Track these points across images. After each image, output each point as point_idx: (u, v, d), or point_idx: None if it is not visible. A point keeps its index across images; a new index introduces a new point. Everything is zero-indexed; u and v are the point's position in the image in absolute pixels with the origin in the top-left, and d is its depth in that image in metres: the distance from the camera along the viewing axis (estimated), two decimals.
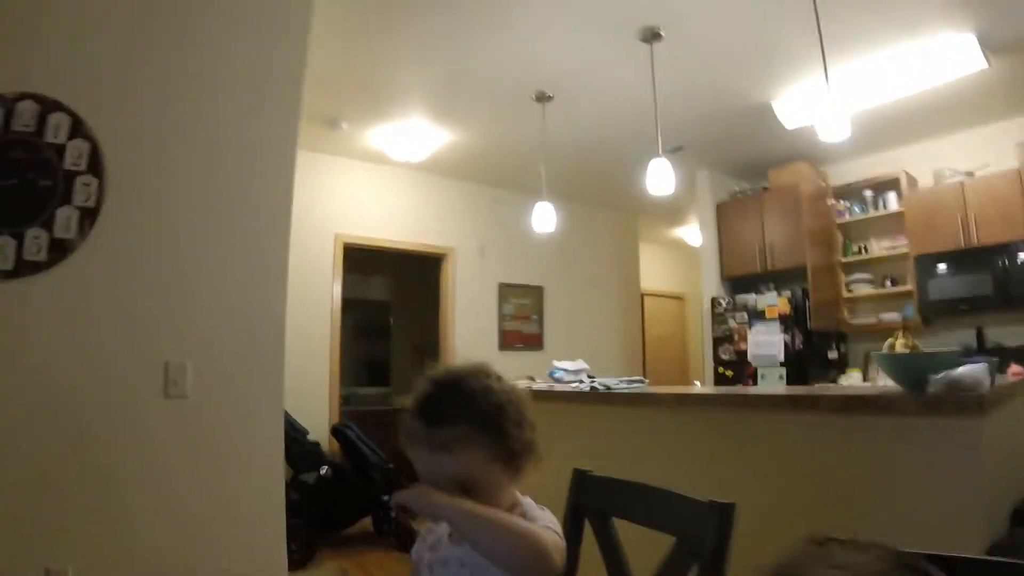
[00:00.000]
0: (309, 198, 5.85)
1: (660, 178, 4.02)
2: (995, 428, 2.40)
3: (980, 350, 5.18)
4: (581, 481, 1.64)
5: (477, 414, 1.14)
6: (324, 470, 4.94)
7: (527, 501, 1.26)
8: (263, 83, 2.85)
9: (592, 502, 1.60)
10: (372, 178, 6.48)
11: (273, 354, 2.78)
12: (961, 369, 2.23)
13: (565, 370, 4.06)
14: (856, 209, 6.27)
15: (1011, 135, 5.28)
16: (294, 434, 4.83)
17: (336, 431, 5.47)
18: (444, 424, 1.12)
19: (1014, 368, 4.36)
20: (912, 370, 2.29)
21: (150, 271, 2.53)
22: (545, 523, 1.18)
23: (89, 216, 2.40)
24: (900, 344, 2.46)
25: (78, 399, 2.34)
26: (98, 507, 2.34)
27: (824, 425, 2.57)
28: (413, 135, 5.70)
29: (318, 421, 5.71)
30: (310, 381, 5.88)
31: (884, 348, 2.56)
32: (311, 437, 5.12)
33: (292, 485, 4.84)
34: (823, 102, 3.63)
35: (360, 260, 6.86)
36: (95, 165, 2.42)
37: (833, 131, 3.55)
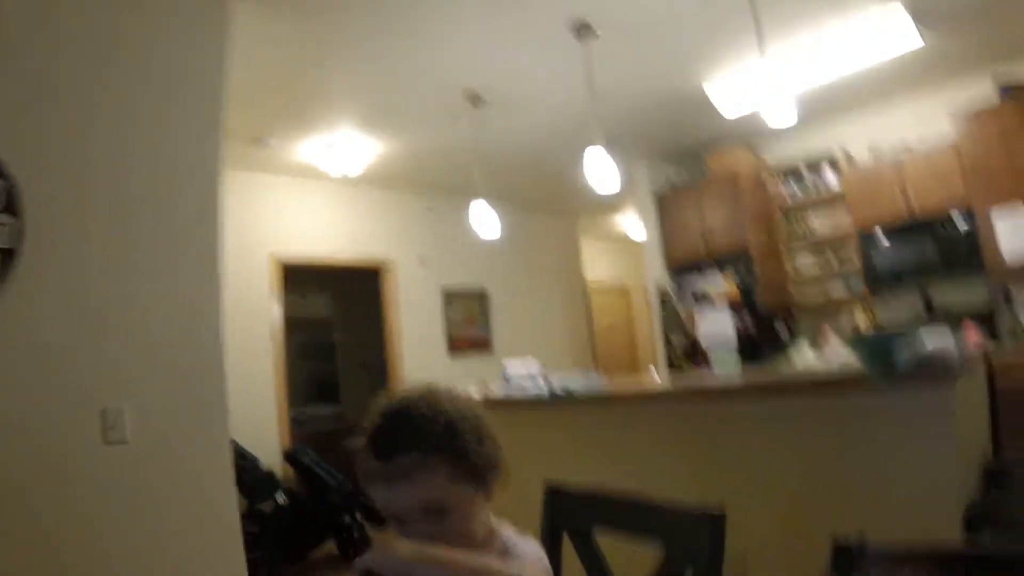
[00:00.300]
0: (241, 219, 5.63)
1: (602, 172, 3.95)
2: (962, 396, 2.45)
3: (928, 315, 5.28)
4: (554, 499, 1.56)
5: (430, 437, 1.09)
6: (280, 498, 4.77)
7: (507, 533, 1.18)
8: (182, 101, 2.70)
9: (570, 519, 1.53)
10: (305, 194, 6.29)
11: (214, 385, 2.64)
12: (929, 344, 2.25)
13: (517, 370, 3.98)
14: (796, 189, 6.33)
15: (945, 105, 5.37)
16: (245, 463, 4.64)
17: (290, 457, 5.31)
18: (397, 454, 1.07)
19: (970, 333, 4.44)
20: (880, 350, 2.29)
21: (76, 312, 2.35)
22: (531, 559, 1.12)
23: (8, 257, 2.22)
24: (861, 320, 2.45)
25: (10, 455, 2.17)
26: (32, 564, 2.16)
27: (798, 408, 2.57)
28: (343, 147, 5.54)
29: (269, 446, 5.52)
30: (257, 406, 5.67)
31: (846, 328, 2.55)
32: (263, 464, 4.94)
33: (248, 517, 4.66)
34: (767, 88, 3.62)
35: (299, 279, 6.68)
36: (11, 204, 2.23)
37: (780, 117, 3.54)
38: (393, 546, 0.99)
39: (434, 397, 1.15)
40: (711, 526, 1.23)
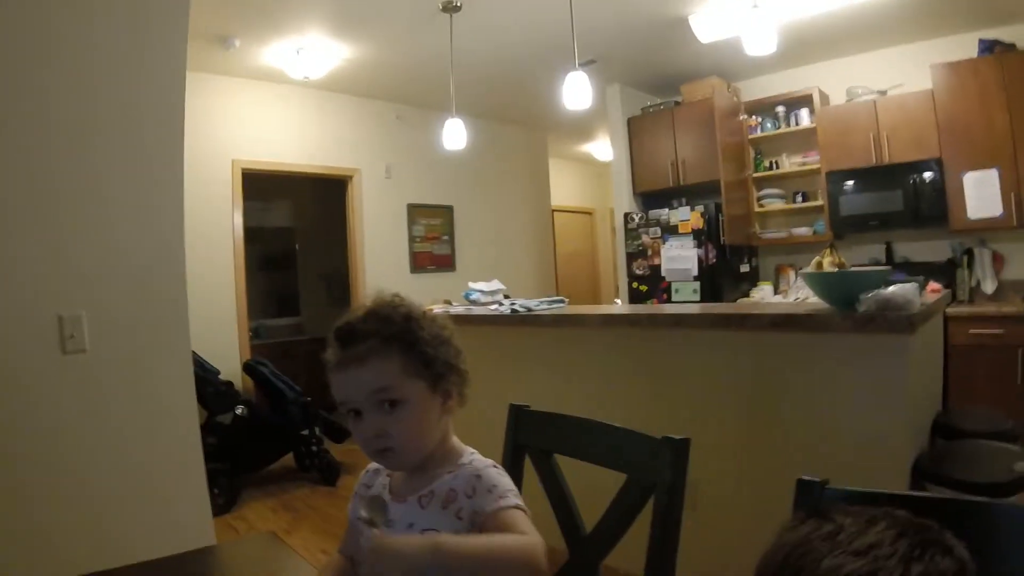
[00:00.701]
0: (203, 123, 5.46)
1: (577, 93, 3.87)
2: (920, 344, 2.46)
3: (889, 265, 5.33)
4: (519, 418, 1.57)
5: (389, 326, 1.13)
6: (240, 410, 4.76)
7: (476, 458, 1.19)
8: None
9: (533, 440, 1.55)
10: (270, 99, 6.08)
11: (175, 293, 2.57)
12: (892, 288, 2.25)
13: (481, 291, 3.96)
14: (768, 125, 6.29)
15: (925, 56, 5.31)
16: (205, 375, 4.61)
17: (249, 369, 5.29)
18: (356, 341, 1.12)
19: (932, 285, 4.53)
20: (843, 289, 2.29)
21: (32, 218, 2.26)
22: (505, 488, 1.13)
23: None
24: (828, 262, 2.45)
25: None
26: None
27: (756, 343, 2.59)
28: (311, 51, 5.34)
29: (229, 358, 5.49)
30: (216, 317, 5.61)
31: (811, 266, 2.55)
32: (223, 376, 4.91)
33: (208, 428, 4.65)
34: (748, 15, 3.54)
35: (261, 186, 6.53)
36: None
37: (759, 44, 3.48)
38: (388, 544, 0.95)
39: (402, 299, 1.19)
40: (674, 453, 1.23)
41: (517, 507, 1.10)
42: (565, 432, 1.48)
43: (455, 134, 4.76)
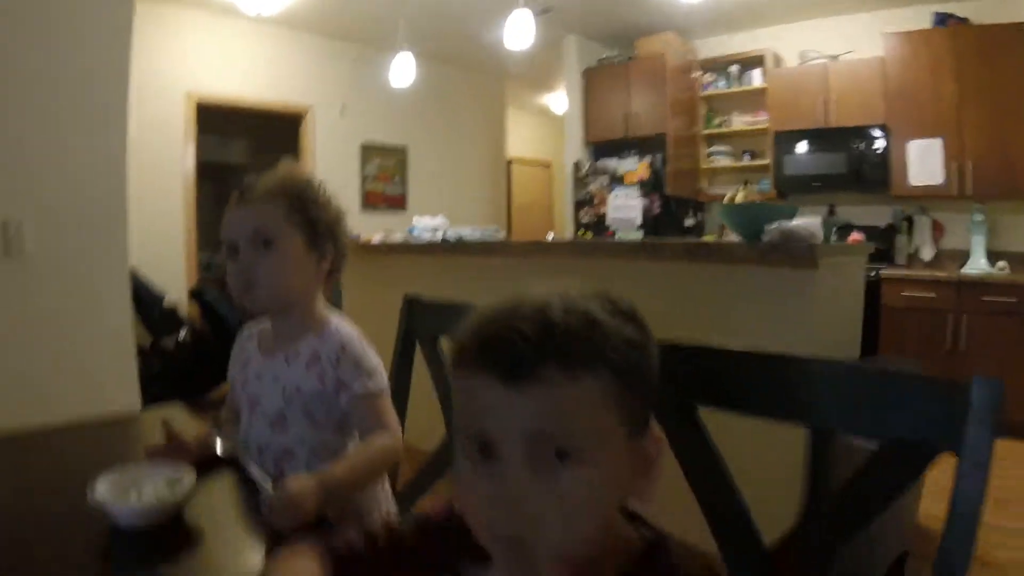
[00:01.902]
0: (157, 55, 5.41)
1: (519, 32, 3.93)
2: (828, 285, 2.49)
3: (832, 227, 5.44)
4: (411, 307, 1.67)
5: (281, 183, 1.25)
6: (183, 334, 4.82)
7: (342, 327, 1.31)
8: None
9: (423, 327, 1.65)
10: (224, 33, 6.02)
11: (114, 206, 2.66)
12: (796, 221, 2.33)
13: (424, 226, 4.04)
14: (721, 83, 6.39)
15: (879, 25, 5.41)
16: (149, 298, 4.65)
17: (194, 295, 5.33)
18: (253, 190, 1.24)
19: (855, 235, 4.70)
20: (749, 219, 2.40)
21: None
22: (371, 367, 1.26)
23: None
24: (741, 196, 2.57)
25: None
26: None
27: (669, 273, 2.65)
28: None
29: (176, 287, 5.50)
30: (166, 247, 5.64)
31: (726, 199, 2.67)
32: (167, 303, 4.95)
33: (153, 352, 4.71)
34: None
35: (215, 121, 6.49)
36: None
37: None
38: (294, 501, 0.99)
39: (306, 176, 1.33)
40: None
41: (382, 390, 1.25)
42: (455, 317, 1.58)
43: (404, 70, 4.80)
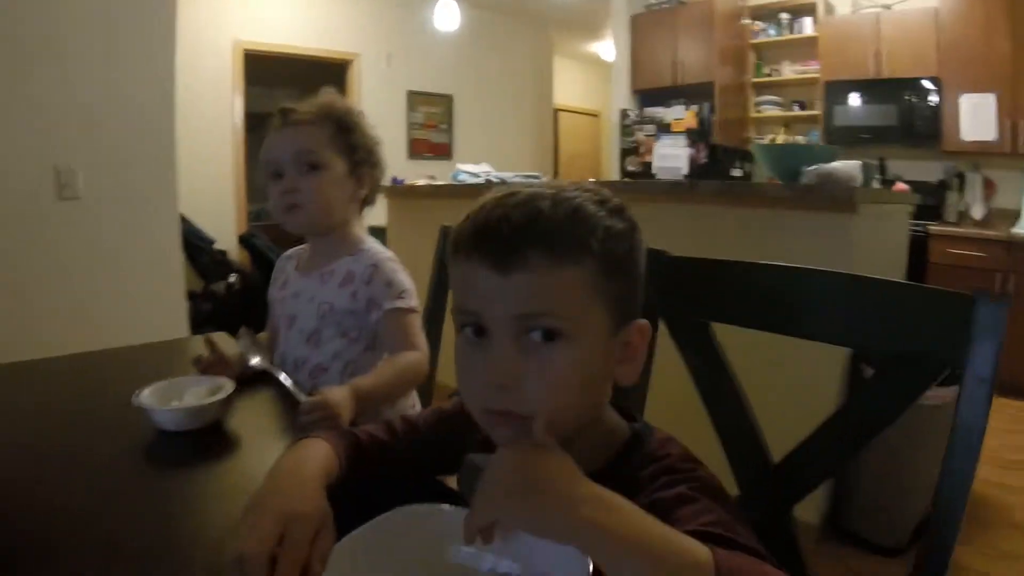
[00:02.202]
0: (203, 5, 5.51)
1: None
2: (867, 231, 2.41)
3: (881, 181, 5.32)
4: (446, 236, 1.69)
5: (324, 108, 1.30)
6: (233, 278, 4.96)
7: (376, 247, 1.37)
8: None
9: None
10: None
11: (163, 155, 2.79)
12: (834, 163, 2.30)
13: (469, 172, 4.07)
14: (771, 31, 6.23)
15: None
16: (200, 244, 4.79)
17: (244, 240, 5.45)
18: (296, 114, 1.29)
19: (899, 185, 4.59)
20: (786, 160, 2.37)
21: (30, 79, 2.45)
22: (401, 287, 1.31)
23: None
24: (781, 139, 2.54)
25: None
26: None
27: (705, 216, 2.62)
28: None
29: (227, 234, 5.65)
30: (217, 196, 5.79)
31: (765, 141, 2.63)
32: (218, 247, 5.09)
33: (203, 296, 4.86)
34: None
35: (262, 71, 6.56)
36: None
37: None
38: (333, 403, 1.03)
39: (347, 103, 1.37)
40: None
41: (412, 309, 1.29)
42: None
43: (449, 16, 4.79)
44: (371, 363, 1.30)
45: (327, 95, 1.34)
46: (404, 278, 1.31)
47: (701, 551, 0.49)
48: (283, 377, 1.21)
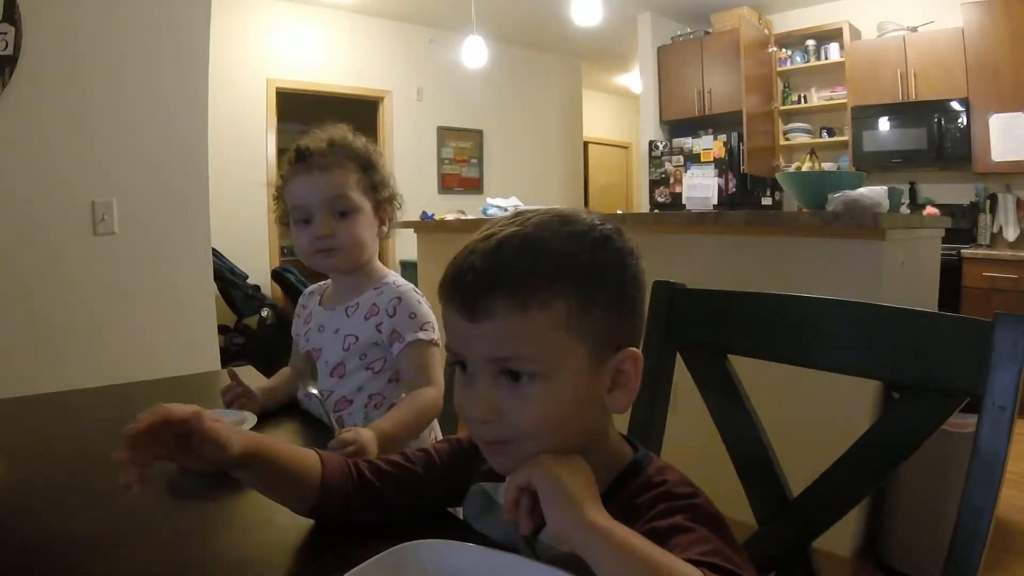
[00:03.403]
0: (239, 42, 5.64)
1: (587, 6, 3.92)
2: (896, 257, 2.39)
3: (912, 205, 5.29)
4: None
5: (349, 148, 1.30)
6: (265, 312, 5.02)
7: (398, 280, 1.38)
8: None
9: None
10: (304, 21, 6.22)
11: (197, 190, 2.83)
12: (861, 189, 2.28)
13: (498, 207, 4.10)
14: (798, 58, 6.25)
15: None
16: (233, 278, 4.87)
17: (276, 274, 5.52)
18: (320, 155, 1.28)
19: (930, 209, 4.54)
20: (812, 188, 2.36)
21: (70, 115, 2.52)
22: (423, 318, 1.31)
23: (9, 64, 2.37)
24: (807, 166, 2.53)
25: (8, 241, 2.40)
26: (30, 342, 2.44)
27: (732, 245, 2.60)
28: None
29: (260, 270, 5.73)
30: (250, 232, 5.85)
31: (791, 169, 2.62)
32: (251, 281, 5.17)
33: (237, 330, 4.93)
34: None
35: (295, 109, 6.69)
36: (11, 14, 2.36)
37: None
38: (365, 447, 1.03)
39: (363, 139, 1.36)
40: None
41: (433, 342, 1.30)
42: None
43: (477, 53, 4.86)
44: (395, 395, 1.31)
45: (339, 130, 1.34)
46: (427, 310, 1.33)
47: (694, 574, 0.51)
48: (313, 403, 1.25)
